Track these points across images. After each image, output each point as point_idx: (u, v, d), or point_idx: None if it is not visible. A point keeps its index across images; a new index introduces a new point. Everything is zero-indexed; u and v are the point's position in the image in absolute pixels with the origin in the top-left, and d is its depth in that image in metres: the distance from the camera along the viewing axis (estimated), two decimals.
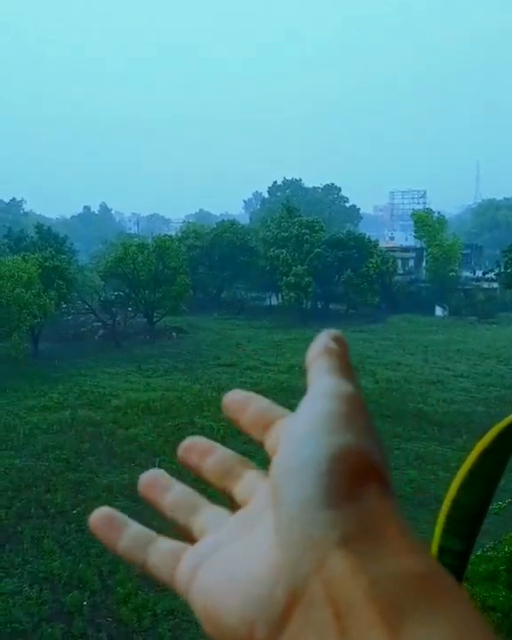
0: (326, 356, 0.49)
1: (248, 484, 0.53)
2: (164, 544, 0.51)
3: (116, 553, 0.53)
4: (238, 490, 0.53)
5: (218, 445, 0.57)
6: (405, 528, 0.39)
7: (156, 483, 0.56)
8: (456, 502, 0.76)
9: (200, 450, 0.57)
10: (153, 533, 0.52)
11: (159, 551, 0.51)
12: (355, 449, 0.41)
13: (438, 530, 0.77)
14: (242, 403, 0.55)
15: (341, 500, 0.39)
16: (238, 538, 0.46)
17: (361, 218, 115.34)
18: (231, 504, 0.53)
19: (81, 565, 14.70)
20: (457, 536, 0.76)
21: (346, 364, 0.49)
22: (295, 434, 0.43)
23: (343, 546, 0.37)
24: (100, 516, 0.54)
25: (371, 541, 0.37)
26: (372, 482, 0.41)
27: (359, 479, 0.40)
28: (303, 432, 0.42)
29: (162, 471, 0.57)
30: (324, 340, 0.50)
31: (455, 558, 0.78)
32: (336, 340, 0.51)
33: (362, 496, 0.39)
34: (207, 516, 0.53)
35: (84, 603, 13.44)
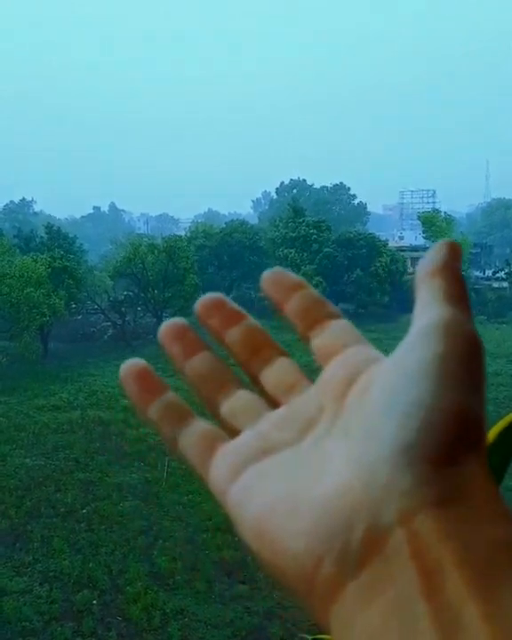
0: (443, 275, 0.42)
1: (282, 374, 0.48)
2: (199, 426, 0.46)
3: (143, 417, 0.47)
4: (270, 378, 0.49)
5: (247, 315, 0.51)
6: (499, 497, 0.35)
7: (179, 335, 0.50)
8: None
9: (224, 314, 0.50)
10: (189, 409, 0.48)
11: (193, 432, 0.46)
12: (462, 408, 0.36)
13: None
14: (288, 285, 0.48)
15: (438, 459, 0.34)
16: (286, 446, 0.41)
17: (369, 215, 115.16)
18: (256, 386, 0.48)
19: (91, 564, 14.73)
20: None
21: (462, 289, 0.42)
22: (398, 373, 0.38)
23: (436, 506, 0.33)
24: (131, 367, 0.48)
25: (466, 507, 0.33)
26: (473, 450, 0.36)
27: (461, 442, 0.35)
28: (408, 374, 0.37)
29: (185, 323, 0.51)
30: (444, 251, 0.43)
31: None
32: (452, 250, 0.43)
33: (463, 459, 0.35)
34: (239, 398, 0.48)
35: (94, 602, 13.47)
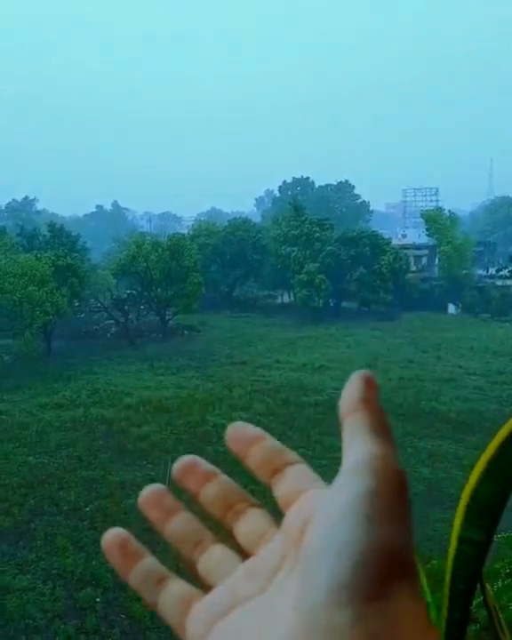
0: (364, 410, 0.46)
1: (253, 526, 0.51)
2: (176, 586, 0.49)
3: (125, 581, 0.51)
4: (242, 529, 0.51)
5: (219, 473, 0.54)
6: (432, 630, 0.37)
7: (157, 502, 0.54)
8: (475, 493, 0.75)
9: (199, 474, 0.53)
10: (165, 571, 0.50)
11: (170, 595, 0.49)
12: (391, 543, 0.38)
13: (458, 520, 0.77)
14: (249, 439, 0.52)
15: (372, 595, 0.36)
16: (251, 598, 0.44)
17: (371, 213, 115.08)
18: (231, 540, 0.51)
19: (94, 562, 14.75)
20: (476, 526, 0.75)
21: (383, 422, 0.46)
22: (332, 513, 0.41)
23: None
24: (114, 538, 0.52)
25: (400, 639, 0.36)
26: (405, 580, 0.38)
27: (392, 575, 0.37)
28: (341, 513, 0.40)
29: (164, 488, 0.54)
30: (359, 385, 0.47)
31: (475, 548, 0.76)
32: (369, 384, 0.47)
33: (392, 594, 0.37)
34: (213, 555, 0.51)
35: (97, 599, 13.49)
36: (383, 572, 0.37)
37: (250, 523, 0.51)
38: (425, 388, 30.58)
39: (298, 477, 0.50)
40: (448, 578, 0.80)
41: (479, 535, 0.76)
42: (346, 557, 0.37)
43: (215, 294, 60.27)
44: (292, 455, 0.51)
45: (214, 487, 0.53)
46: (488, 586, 0.91)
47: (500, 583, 7.64)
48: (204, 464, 0.54)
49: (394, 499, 0.40)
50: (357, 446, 0.44)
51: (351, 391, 0.47)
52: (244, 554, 0.50)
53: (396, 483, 0.42)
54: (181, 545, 0.52)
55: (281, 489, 0.49)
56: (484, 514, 0.74)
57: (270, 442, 0.52)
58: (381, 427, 0.45)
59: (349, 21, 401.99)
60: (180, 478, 0.53)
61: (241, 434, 0.52)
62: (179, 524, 0.53)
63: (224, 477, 0.54)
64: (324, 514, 0.42)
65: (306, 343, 42.41)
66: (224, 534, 0.52)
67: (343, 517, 0.39)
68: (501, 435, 0.74)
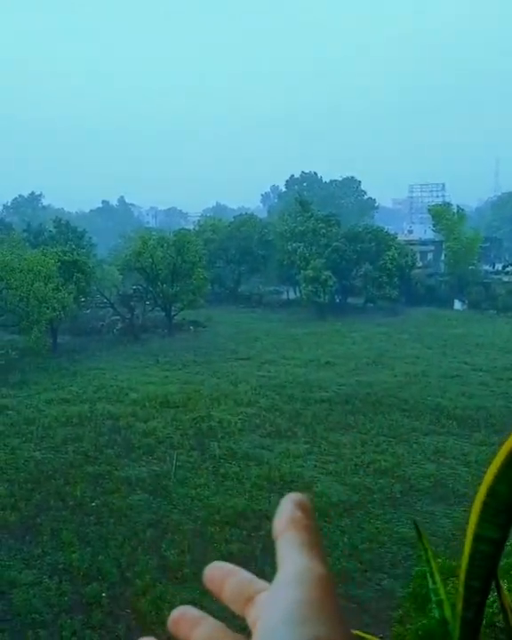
0: (294, 529, 0.53)
1: None
2: None
3: None
4: None
5: (207, 617, 0.58)
6: None
7: (184, 618, 0.58)
8: (492, 490, 0.73)
9: (189, 620, 0.58)
10: None
11: None
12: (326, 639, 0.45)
13: (473, 517, 0.75)
14: (222, 576, 0.58)
15: None
16: None
17: (376, 208, 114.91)
18: None
19: (100, 557, 14.79)
20: (493, 524, 0.74)
21: (315, 538, 0.53)
22: (269, 622, 0.48)
23: None
24: (178, 614, 0.58)
25: None
26: None
27: None
28: (276, 621, 0.47)
29: (190, 607, 0.58)
30: (289, 507, 0.55)
31: (491, 546, 0.75)
32: (301, 506, 0.55)
33: None
34: None
35: (103, 594, 13.53)
36: None
37: None
38: (430, 383, 30.54)
39: (261, 603, 0.55)
40: (463, 576, 0.79)
41: (495, 533, 0.74)
42: None
43: (221, 290, 60.31)
44: (261, 584, 0.57)
45: (202, 629, 0.57)
46: (503, 585, 0.90)
47: None
48: (192, 611, 0.58)
49: (323, 603, 0.48)
50: (288, 561, 0.52)
51: (282, 512, 0.55)
52: None
53: (325, 591, 0.49)
54: None
55: (250, 616, 0.55)
56: (500, 512, 0.73)
57: (242, 575, 0.58)
58: (314, 543, 0.53)
59: (357, 18, 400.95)
60: (173, 628, 0.58)
61: (215, 572, 0.59)
62: (202, 632, 0.56)
63: (211, 621, 0.58)
64: (261, 627, 0.49)
65: (311, 339, 42.39)
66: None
67: (276, 626, 0.47)
68: None
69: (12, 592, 13.60)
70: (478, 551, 0.77)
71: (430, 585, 1.24)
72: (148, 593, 13.44)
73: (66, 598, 13.43)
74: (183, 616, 0.58)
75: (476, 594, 0.80)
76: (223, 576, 0.58)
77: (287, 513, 0.54)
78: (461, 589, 0.80)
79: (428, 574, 1.26)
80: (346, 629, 0.48)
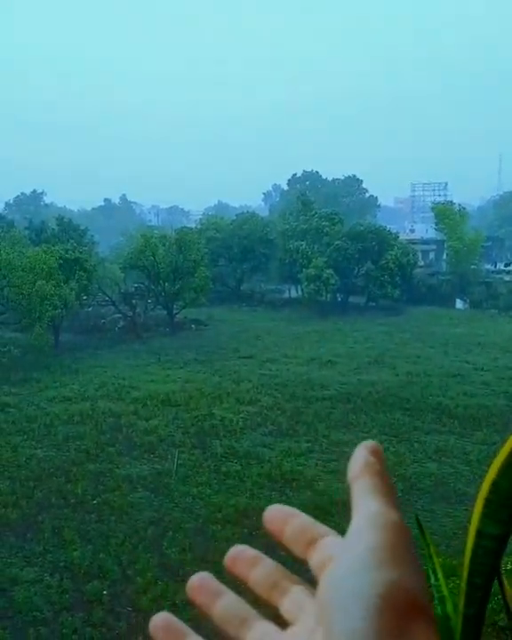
0: (369, 474, 0.52)
1: (295, 600, 0.54)
2: None
3: None
4: (285, 605, 0.54)
5: (264, 556, 0.58)
6: None
7: (205, 588, 0.58)
8: (495, 486, 0.73)
9: (247, 560, 0.58)
10: None
11: None
12: (402, 586, 0.43)
13: (476, 514, 0.75)
14: (283, 517, 0.57)
15: (388, 636, 0.40)
16: None
17: (378, 207, 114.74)
18: (277, 618, 0.54)
19: (101, 555, 14.81)
20: (495, 520, 0.74)
21: (388, 484, 0.52)
22: (343, 565, 0.46)
23: None
24: (161, 622, 0.57)
25: None
26: (419, 619, 0.41)
27: (406, 616, 0.41)
28: (351, 565, 0.45)
29: (210, 575, 0.58)
30: (363, 454, 0.53)
31: (493, 542, 0.75)
32: (374, 453, 0.54)
33: (408, 634, 0.40)
34: (258, 632, 0.54)
35: (104, 592, 13.54)
36: (396, 614, 0.41)
37: (293, 597, 0.55)
38: (432, 383, 30.52)
39: (329, 547, 0.53)
40: (465, 573, 0.78)
41: (498, 529, 0.74)
42: (359, 605, 0.41)
43: (223, 288, 60.23)
44: (323, 528, 0.56)
45: (260, 569, 0.57)
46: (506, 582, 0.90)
47: None
48: (249, 550, 0.58)
49: (401, 549, 0.46)
50: (362, 507, 0.50)
51: (357, 458, 0.54)
52: (288, 627, 0.54)
53: (400, 536, 0.47)
54: (227, 625, 0.55)
55: (314, 559, 0.53)
56: (503, 508, 0.73)
57: (303, 518, 0.56)
58: (385, 488, 0.51)
59: (358, 16, 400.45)
60: (230, 565, 0.58)
61: (276, 513, 0.57)
62: (224, 606, 0.56)
63: (268, 561, 0.58)
64: (334, 570, 0.47)
65: (313, 338, 42.36)
66: (270, 612, 0.56)
67: (351, 570, 0.45)
68: None
69: (13, 589, 13.62)
70: (480, 547, 0.77)
71: (432, 581, 1.24)
72: (149, 591, 13.46)
73: (67, 596, 13.45)
74: (241, 554, 0.58)
75: (477, 590, 0.80)
76: (284, 517, 0.57)
77: (361, 459, 0.53)
78: (463, 586, 0.80)
79: (430, 570, 1.26)
80: (421, 575, 0.46)
